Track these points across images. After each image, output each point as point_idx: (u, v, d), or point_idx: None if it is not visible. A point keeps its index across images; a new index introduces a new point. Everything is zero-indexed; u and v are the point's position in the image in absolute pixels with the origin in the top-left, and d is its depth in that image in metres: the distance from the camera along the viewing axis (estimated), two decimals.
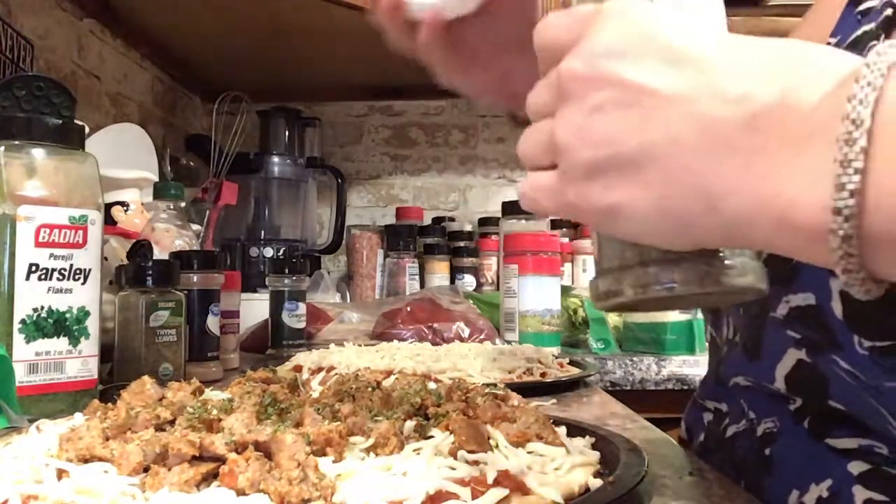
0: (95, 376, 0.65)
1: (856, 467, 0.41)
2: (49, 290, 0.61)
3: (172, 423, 0.41)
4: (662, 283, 0.34)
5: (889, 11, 0.51)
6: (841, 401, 0.41)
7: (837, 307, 0.39)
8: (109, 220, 1.06)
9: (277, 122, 1.82)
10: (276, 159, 1.79)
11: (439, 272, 1.77)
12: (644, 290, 0.34)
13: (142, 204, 1.14)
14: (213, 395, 0.48)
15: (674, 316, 1.24)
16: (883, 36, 0.50)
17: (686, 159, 0.29)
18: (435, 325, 1.18)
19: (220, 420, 0.39)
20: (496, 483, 0.34)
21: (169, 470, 0.34)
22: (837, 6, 0.56)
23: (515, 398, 0.48)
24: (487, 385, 0.50)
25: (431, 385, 0.50)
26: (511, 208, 1.29)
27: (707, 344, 0.61)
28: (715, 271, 0.33)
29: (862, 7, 0.54)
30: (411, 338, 1.14)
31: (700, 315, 1.22)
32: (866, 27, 0.53)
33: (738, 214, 0.29)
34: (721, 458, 0.50)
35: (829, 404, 0.41)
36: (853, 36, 0.53)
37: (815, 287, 0.40)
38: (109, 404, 0.45)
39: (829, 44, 0.55)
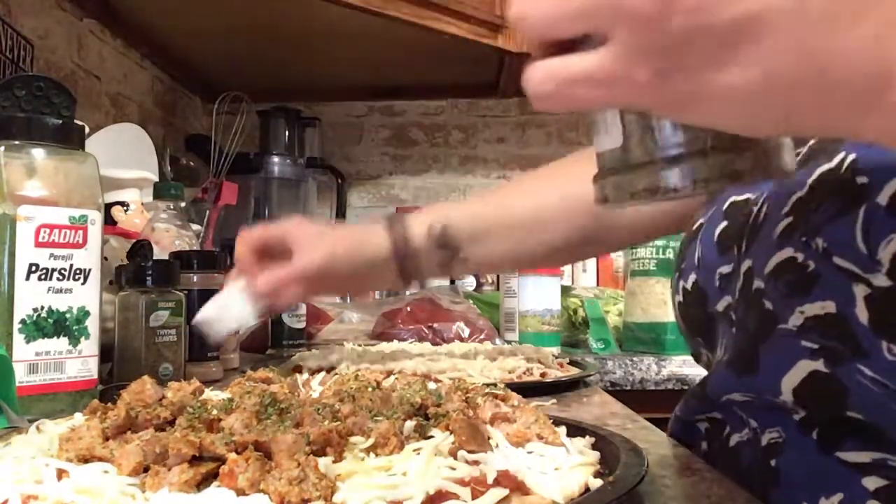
0: (95, 376, 0.65)
1: (871, 482, 0.40)
2: (49, 290, 0.61)
3: (172, 423, 0.41)
4: (728, 174, 0.30)
5: None
6: (861, 411, 0.40)
7: (862, 314, 0.38)
8: (109, 220, 1.06)
9: (277, 122, 1.82)
10: (276, 159, 1.79)
11: None
12: (706, 183, 0.30)
13: (142, 204, 1.14)
14: (213, 395, 0.48)
15: (674, 316, 1.24)
16: None
17: (805, 29, 0.26)
18: (435, 325, 1.18)
19: (220, 420, 0.39)
20: (496, 483, 0.34)
21: (169, 470, 0.34)
22: None
23: (515, 398, 0.48)
24: (487, 385, 0.50)
25: (431, 385, 0.50)
26: None
27: (702, 365, 0.60)
28: (773, 153, 0.31)
29: None
30: (411, 338, 1.14)
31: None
32: None
33: (856, 92, 0.27)
34: (725, 465, 0.49)
35: (847, 415, 0.40)
36: None
37: (836, 294, 0.39)
38: (109, 404, 0.45)
39: None
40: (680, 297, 0.57)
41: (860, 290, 0.38)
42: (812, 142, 0.48)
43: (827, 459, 0.42)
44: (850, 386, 0.39)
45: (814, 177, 0.43)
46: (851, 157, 0.40)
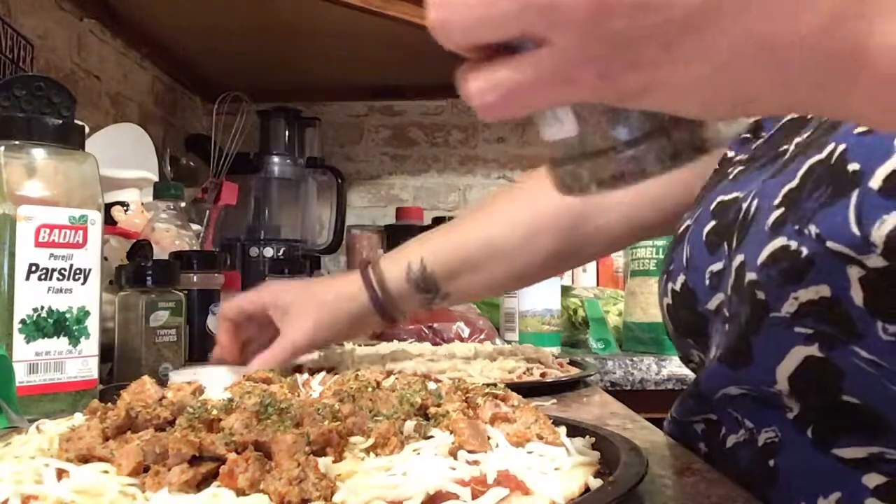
0: (95, 376, 0.65)
1: (871, 480, 0.40)
2: (49, 290, 0.61)
3: (172, 423, 0.41)
4: (696, 145, 0.30)
5: None
6: (856, 394, 0.40)
7: (857, 295, 0.38)
8: (109, 220, 1.06)
9: (277, 122, 1.82)
10: (276, 159, 1.79)
11: None
12: (674, 160, 0.30)
13: (142, 204, 1.14)
14: (213, 395, 0.48)
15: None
16: None
17: (751, 20, 0.25)
18: (435, 325, 1.18)
19: (220, 420, 0.39)
20: (496, 483, 0.34)
21: (169, 470, 0.34)
22: None
23: (515, 398, 0.48)
24: (487, 385, 0.50)
25: (431, 385, 0.50)
26: None
27: (692, 369, 0.60)
28: (722, 125, 0.30)
29: None
30: (411, 338, 1.14)
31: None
32: None
33: (826, 74, 0.26)
34: (723, 467, 0.49)
35: (842, 400, 0.41)
36: None
37: (830, 278, 0.39)
38: (109, 404, 0.45)
39: None
40: (668, 300, 0.57)
41: (854, 272, 0.38)
42: (798, 139, 0.48)
43: (824, 458, 0.42)
44: (845, 369, 0.40)
45: (804, 168, 0.43)
46: (842, 147, 0.41)
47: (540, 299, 1.20)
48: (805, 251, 0.40)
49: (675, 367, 1.19)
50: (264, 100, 1.83)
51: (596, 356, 1.22)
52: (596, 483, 0.37)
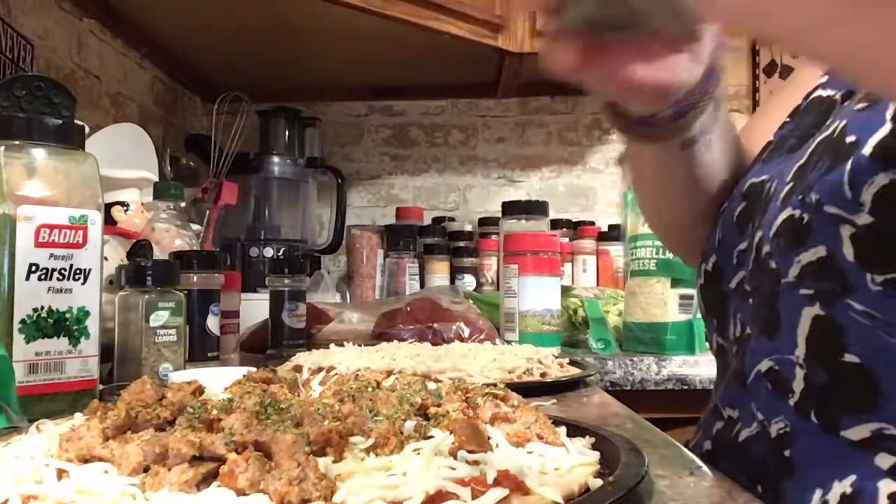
0: (95, 376, 0.65)
1: (884, 461, 0.41)
2: (49, 290, 0.61)
3: (172, 423, 0.41)
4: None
5: None
6: (857, 351, 0.42)
7: (849, 251, 0.41)
8: (109, 220, 1.06)
9: (277, 122, 1.82)
10: (276, 159, 1.79)
11: (439, 272, 1.77)
12: None
13: (142, 204, 1.14)
14: (213, 395, 0.48)
15: (674, 316, 1.24)
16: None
17: None
18: (435, 325, 1.18)
19: (220, 420, 0.39)
20: (496, 483, 0.34)
21: (169, 470, 0.34)
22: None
23: (515, 398, 0.48)
24: (487, 385, 0.50)
25: (431, 385, 0.50)
26: (511, 208, 1.29)
27: (713, 354, 0.60)
28: None
29: None
30: (411, 338, 1.14)
31: (700, 315, 1.22)
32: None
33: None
34: (731, 464, 0.49)
35: (846, 360, 0.42)
36: None
37: (827, 239, 0.42)
38: (109, 404, 0.45)
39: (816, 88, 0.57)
40: (701, 280, 0.59)
41: (846, 231, 0.41)
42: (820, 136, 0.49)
43: (835, 441, 0.43)
44: (844, 324, 0.42)
45: (811, 146, 0.46)
46: (843, 123, 0.44)
47: (540, 299, 1.20)
48: (806, 217, 0.44)
49: (675, 367, 1.19)
50: (264, 100, 1.83)
51: (596, 356, 1.22)
52: (596, 483, 0.37)
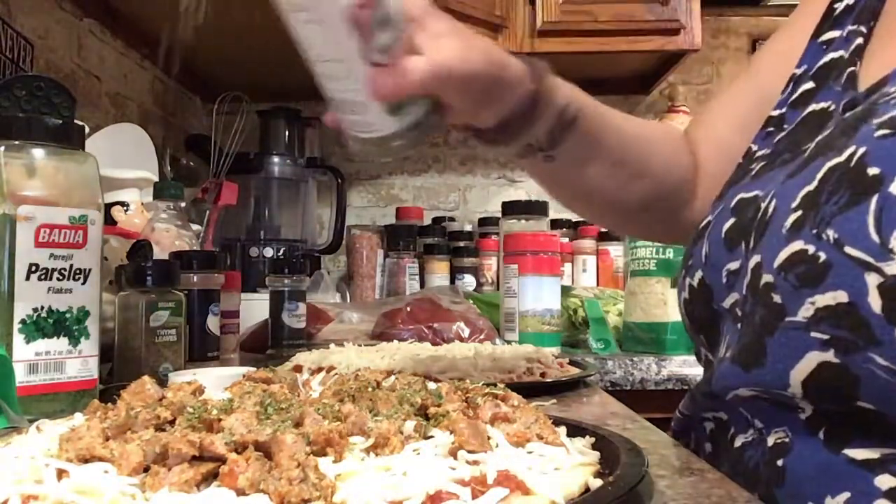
0: (95, 376, 0.65)
1: (884, 482, 0.39)
2: (49, 290, 0.61)
3: (172, 423, 0.41)
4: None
5: (860, 40, 0.53)
6: (872, 401, 0.40)
7: (875, 302, 0.38)
8: (109, 220, 1.06)
9: (277, 122, 1.82)
10: (276, 159, 1.79)
11: (439, 272, 1.77)
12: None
13: (142, 204, 1.14)
14: (213, 395, 0.48)
15: (674, 316, 1.24)
16: (859, 63, 0.53)
17: None
18: (435, 325, 1.18)
19: (220, 420, 0.39)
20: (496, 483, 0.34)
21: (169, 470, 0.34)
22: (800, 41, 0.60)
23: (515, 398, 0.48)
24: (487, 385, 0.50)
25: (431, 385, 0.50)
26: (511, 208, 1.29)
27: (702, 365, 0.60)
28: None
29: (825, 37, 0.58)
30: (411, 338, 1.14)
31: None
32: (834, 55, 0.56)
33: None
34: (729, 468, 0.49)
35: (857, 406, 0.40)
36: (820, 63, 0.56)
37: (848, 284, 0.39)
38: (109, 404, 0.45)
39: (794, 74, 0.59)
40: (686, 295, 0.57)
41: (872, 279, 0.38)
42: (820, 136, 0.48)
43: (835, 458, 0.42)
44: (861, 375, 0.39)
45: (822, 171, 0.43)
46: (862, 150, 0.41)
47: (540, 299, 1.20)
48: (823, 256, 0.40)
49: (675, 367, 1.19)
50: (264, 100, 1.83)
51: (596, 356, 1.22)
52: (596, 483, 0.37)
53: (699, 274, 0.54)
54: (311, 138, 1.92)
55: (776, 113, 0.59)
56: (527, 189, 2.09)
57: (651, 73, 1.92)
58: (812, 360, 0.41)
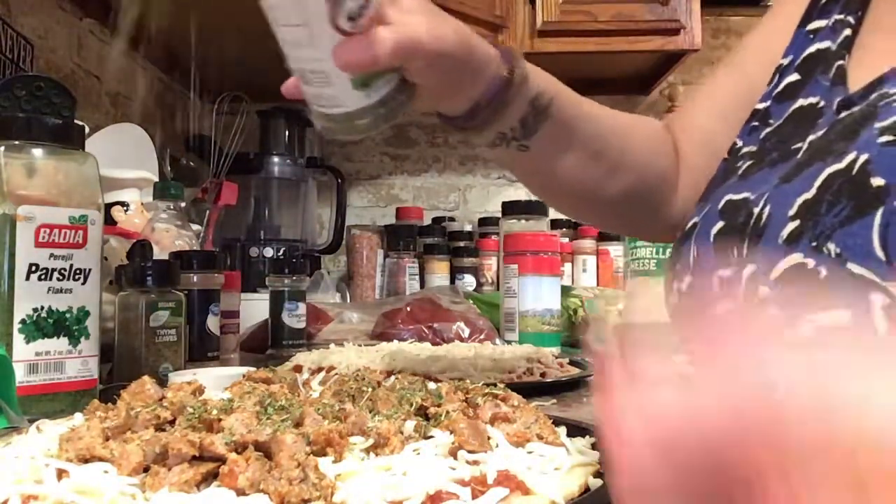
0: (95, 376, 0.65)
1: None
2: (49, 290, 0.61)
3: (172, 423, 0.41)
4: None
5: (848, 31, 0.52)
6: None
7: (881, 324, 0.36)
8: (109, 220, 1.06)
9: (277, 122, 1.82)
10: (276, 159, 1.79)
11: (439, 272, 1.77)
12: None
13: (142, 204, 1.14)
14: (213, 395, 0.48)
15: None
16: (847, 56, 0.51)
17: None
18: (435, 325, 1.18)
19: (220, 420, 0.39)
20: (496, 483, 0.34)
21: (169, 470, 0.34)
22: (786, 30, 0.58)
23: (515, 398, 0.48)
24: (487, 385, 0.50)
25: (431, 385, 0.50)
26: (511, 208, 1.29)
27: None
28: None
29: (812, 26, 0.56)
30: (411, 338, 1.14)
31: None
32: (820, 45, 0.54)
33: None
34: None
35: None
36: (806, 53, 0.54)
37: (851, 304, 0.37)
38: (109, 404, 0.45)
39: (780, 64, 0.57)
40: (675, 299, 0.56)
41: (878, 300, 0.36)
42: (813, 136, 0.47)
43: None
44: None
45: (821, 178, 0.41)
46: (864, 157, 0.39)
47: (540, 299, 1.20)
48: (823, 272, 0.39)
49: None
50: (264, 100, 1.83)
51: None
52: (596, 483, 0.37)
53: (688, 279, 0.53)
54: (311, 138, 1.92)
55: (761, 106, 0.56)
56: (527, 189, 2.08)
57: (651, 73, 1.92)
58: None
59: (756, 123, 0.56)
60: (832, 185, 0.40)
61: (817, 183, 0.41)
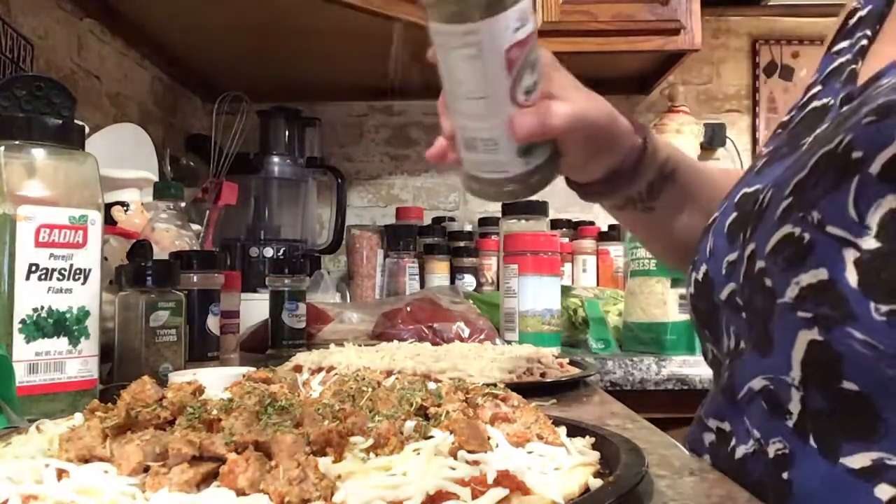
0: (95, 376, 0.65)
1: (883, 492, 0.39)
2: (49, 290, 0.61)
3: (172, 423, 0.41)
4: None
5: (864, 42, 0.54)
6: (855, 379, 0.40)
7: (852, 277, 0.39)
8: (109, 220, 1.06)
9: (277, 122, 1.82)
10: (276, 159, 1.79)
11: (439, 272, 1.77)
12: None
13: (142, 204, 1.14)
14: (213, 395, 0.48)
15: (674, 316, 1.24)
16: (860, 61, 0.54)
17: None
18: (435, 325, 1.18)
19: (220, 420, 0.39)
20: (496, 483, 0.34)
21: (169, 470, 0.34)
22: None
23: (515, 398, 0.48)
24: (487, 385, 0.50)
25: (431, 385, 0.50)
26: (511, 208, 1.29)
27: (708, 364, 0.60)
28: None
29: (836, 48, 0.59)
30: (411, 338, 1.14)
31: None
32: (841, 59, 0.57)
33: None
34: (732, 479, 0.49)
35: (844, 387, 0.40)
36: (829, 69, 0.57)
37: (828, 262, 0.40)
38: (109, 404, 0.45)
39: (809, 84, 0.60)
40: (692, 289, 0.58)
41: (850, 255, 0.39)
42: (819, 131, 0.49)
43: (835, 469, 0.41)
44: (843, 352, 0.40)
45: (814, 159, 0.44)
46: (848, 137, 0.42)
47: (540, 299, 1.20)
48: (807, 237, 0.42)
49: (675, 367, 1.19)
50: (264, 100, 1.83)
51: (596, 356, 1.22)
52: (596, 483, 0.37)
53: (703, 268, 0.55)
54: (311, 138, 1.92)
55: (786, 118, 0.59)
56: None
57: (651, 73, 1.92)
58: (803, 339, 0.42)
59: (779, 131, 0.59)
60: (822, 164, 0.43)
61: (811, 164, 0.44)
